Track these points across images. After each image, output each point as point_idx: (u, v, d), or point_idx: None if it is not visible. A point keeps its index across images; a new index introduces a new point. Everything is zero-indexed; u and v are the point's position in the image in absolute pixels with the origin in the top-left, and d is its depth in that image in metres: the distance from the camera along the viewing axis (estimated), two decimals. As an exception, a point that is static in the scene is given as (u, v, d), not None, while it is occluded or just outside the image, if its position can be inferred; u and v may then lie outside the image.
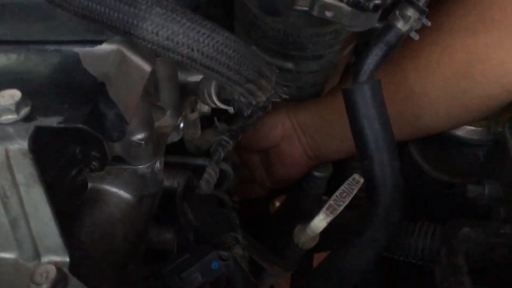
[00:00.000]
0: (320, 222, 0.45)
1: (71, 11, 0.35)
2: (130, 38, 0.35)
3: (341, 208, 0.45)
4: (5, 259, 0.36)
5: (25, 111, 0.32)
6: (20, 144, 0.31)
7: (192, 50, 0.35)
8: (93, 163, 0.48)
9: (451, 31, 0.64)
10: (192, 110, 0.63)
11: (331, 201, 0.45)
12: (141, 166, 0.53)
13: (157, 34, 0.34)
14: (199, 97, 0.56)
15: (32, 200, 0.34)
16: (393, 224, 0.58)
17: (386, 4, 0.46)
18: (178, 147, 0.69)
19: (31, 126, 0.32)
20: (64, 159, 0.43)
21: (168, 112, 0.56)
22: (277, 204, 1.24)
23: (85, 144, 0.45)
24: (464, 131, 0.78)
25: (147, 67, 0.39)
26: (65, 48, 0.38)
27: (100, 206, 0.52)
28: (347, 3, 0.46)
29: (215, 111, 0.73)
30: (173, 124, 0.57)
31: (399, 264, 0.66)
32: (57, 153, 0.40)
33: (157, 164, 0.54)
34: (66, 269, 0.36)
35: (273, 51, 0.60)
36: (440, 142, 0.81)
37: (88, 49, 0.38)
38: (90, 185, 0.54)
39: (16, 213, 0.34)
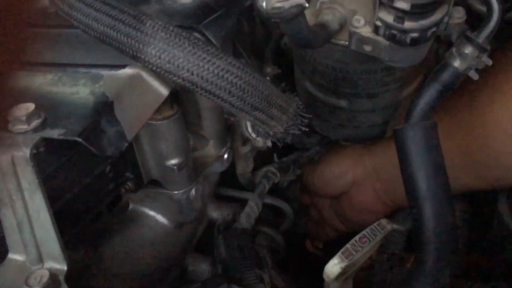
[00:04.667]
0: (333, 266, 0.41)
1: (92, 36, 0.38)
2: (138, 60, 0.36)
3: (359, 254, 0.41)
4: (14, 260, 0.38)
5: (36, 122, 0.36)
6: (24, 152, 0.34)
7: (192, 74, 0.35)
8: (128, 183, 0.51)
9: None
10: (244, 143, 0.64)
11: (348, 245, 0.41)
12: (176, 192, 0.54)
13: (159, 58, 0.35)
14: (241, 128, 0.56)
15: (35, 206, 0.36)
16: (442, 284, 0.51)
17: (425, 39, 0.42)
18: (233, 181, 0.70)
19: (37, 136, 0.35)
20: (93, 175, 0.45)
21: (211, 142, 0.57)
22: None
23: (116, 163, 0.48)
24: (558, 191, 0.67)
25: (164, 91, 0.41)
26: (94, 71, 0.41)
27: (133, 226, 0.53)
28: (384, 36, 0.44)
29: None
30: (216, 154, 0.57)
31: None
32: (81, 167, 0.43)
33: (193, 192, 0.55)
34: (62, 277, 0.37)
35: (325, 88, 0.59)
36: (533, 202, 0.71)
37: (112, 72, 0.41)
38: (131, 206, 0.56)
39: (21, 216, 0.36)
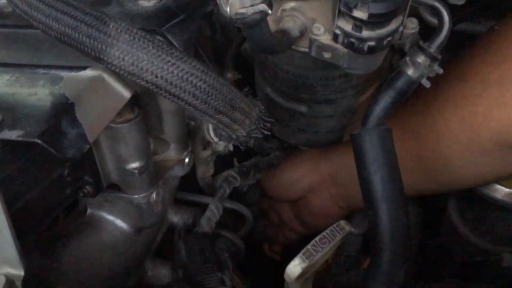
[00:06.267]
0: (295, 267, 0.42)
1: (53, 36, 0.37)
2: (100, 62, 0.36)
3: (319, 254, 0.42)
4: (-34, 267, 0.37)
5: (-7, 124, 0.35)
6: (-19, 154, 0.33)
7: (156, 76, 0.35)
8: (87, 187, 0.50)
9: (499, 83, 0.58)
10: (204, 148, 0.64)
11: (309, 246, 0.42)
12: (136, 196, 0.53)
13: (123, 60, 0.35)
14: (202, 132, 0.56)
15: (-10, 209, 0.35)
16: (397, 284, 0.53)
17: (382, 47, 0.44)
18: (193, 185, 0.70)
19: (-7, 137, 0.34)
20: (51, 179, 0.44)
21: (172, 146, 0.57)
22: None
23: (75, 167, 0.47)
24: (502, 194, 0.71)
25: (126, 94, 0.41)
26: (53, 72, 0.41)
27: (91, 231, 0.52)
28: (343, 44, 0.45)
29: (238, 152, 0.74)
30: (177, 158, 0.57)
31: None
32: (39, 170, 0.42)
33: (153, 196, 0.54)
34: (19, 283, 0.36)
35: (286, 93, 0.60)
36: (480, 205, 0.75)
37: (73, 73, 0.40)
38: (89, 210, 0.55)
39: (-25, 221, 0.35)
